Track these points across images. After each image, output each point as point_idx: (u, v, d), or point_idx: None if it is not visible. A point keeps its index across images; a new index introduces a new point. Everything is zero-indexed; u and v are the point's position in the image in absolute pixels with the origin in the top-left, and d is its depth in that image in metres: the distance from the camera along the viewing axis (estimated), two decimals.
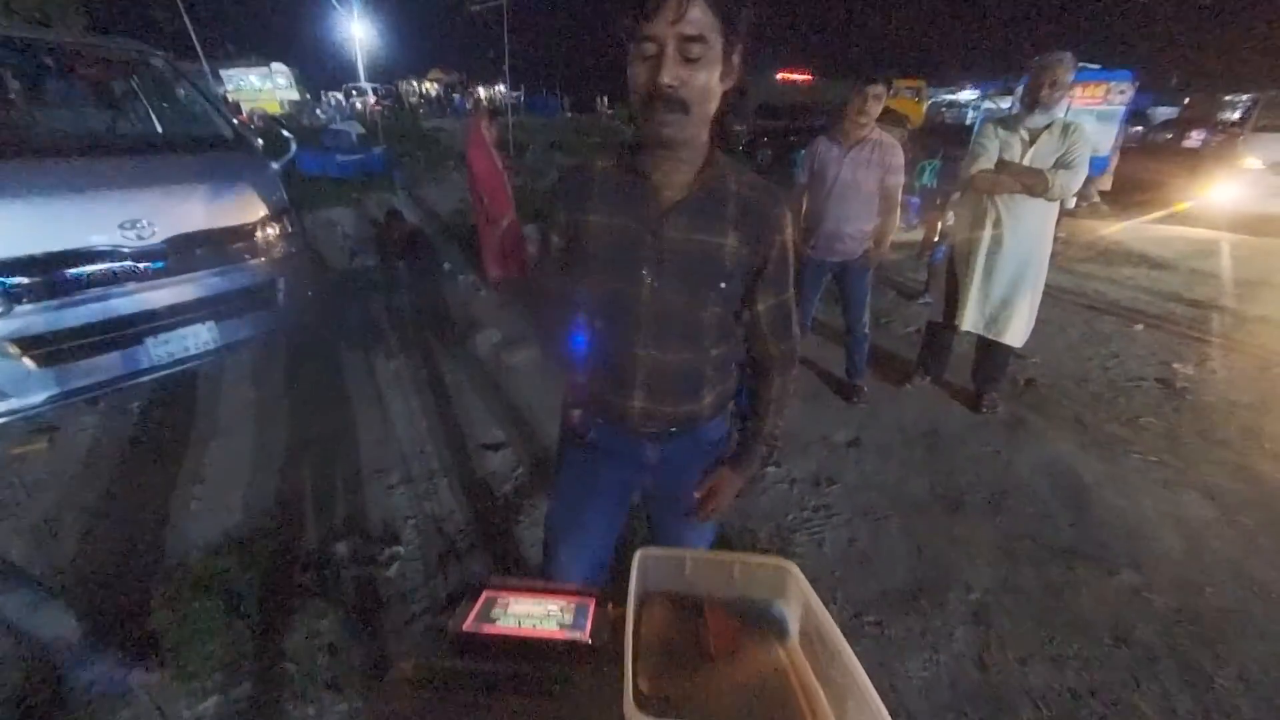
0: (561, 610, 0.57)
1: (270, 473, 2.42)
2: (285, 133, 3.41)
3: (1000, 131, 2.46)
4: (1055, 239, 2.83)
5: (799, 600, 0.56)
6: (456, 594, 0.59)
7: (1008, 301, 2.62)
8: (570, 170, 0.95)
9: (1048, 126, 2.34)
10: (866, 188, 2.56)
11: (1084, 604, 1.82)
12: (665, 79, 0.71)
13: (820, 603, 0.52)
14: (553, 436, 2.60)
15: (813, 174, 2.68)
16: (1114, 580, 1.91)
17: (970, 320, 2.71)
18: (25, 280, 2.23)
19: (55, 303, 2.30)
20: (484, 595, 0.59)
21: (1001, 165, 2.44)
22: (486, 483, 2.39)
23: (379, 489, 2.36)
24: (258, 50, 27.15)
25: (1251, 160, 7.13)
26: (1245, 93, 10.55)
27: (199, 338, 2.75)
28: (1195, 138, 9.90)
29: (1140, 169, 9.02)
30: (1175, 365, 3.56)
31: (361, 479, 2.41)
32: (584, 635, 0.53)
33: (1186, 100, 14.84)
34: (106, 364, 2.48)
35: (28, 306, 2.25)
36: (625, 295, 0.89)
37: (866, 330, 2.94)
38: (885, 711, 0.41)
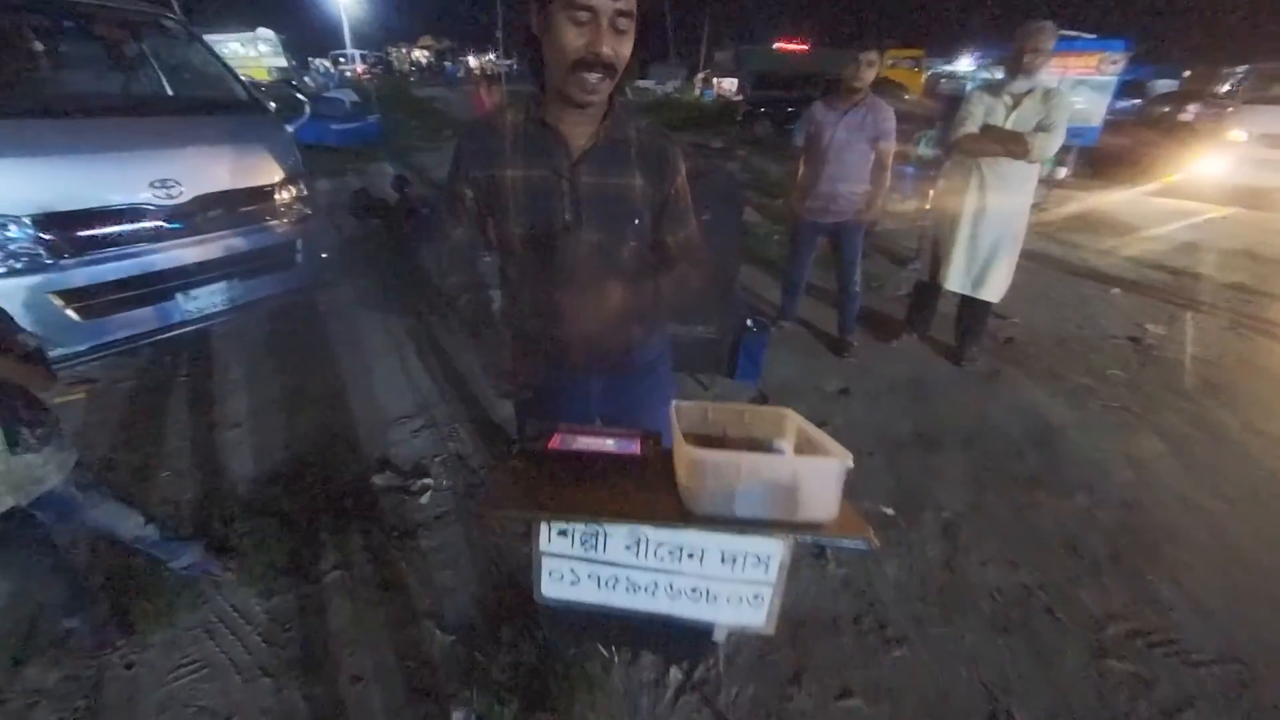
0: (617, 441, 0.77)
1: (302, 418, 2.61)
2: (300, 95, 3.49)
3: (986, 97, 2.61)
4: (1043, 209, 3.00)
5: (796, 433, 0.76)
6: (535, 434, 0.79)
7: (990, 261, 2.81)
8: (474, 128, 0.99)
9: (1029, 92, 2.49)
10: (859, 150, 2.71)
11: (1041, 521, 2.06)
12: (605, 49, 0.79)
13: (814, 426, 0.72)
14: None
15: (809, 138, 2.82)
16: (1068, 502, 2.15)
17: (955, 280, 2.90)
18: (67, 235, 2.36)
19: (93, 257, 2.44)
20: (557, 433, 0.78)
21: (986, 129, 2.60)
22: (503, 427, 2.59)
23: (405, 432, 2.56)
24: (239, 15, 26.29)
25: (1238, 132, 7.27)
26: (1246, 65, 10.61)
27: (225, 294, 2.90)
28: (1190, 111, 9.99)
29: (1135, 141, 9.14)
30: (1147, 325, 3.79)
31: (388, 423, 2.60)
32: (637, 451, 0.73)
33: (1187, 73, 14.84)
34: (141, 317, 2.64)
35: (69, 260, 2.39)
36: (548, 241, 0.97)
37: (858, 289, 3.13)
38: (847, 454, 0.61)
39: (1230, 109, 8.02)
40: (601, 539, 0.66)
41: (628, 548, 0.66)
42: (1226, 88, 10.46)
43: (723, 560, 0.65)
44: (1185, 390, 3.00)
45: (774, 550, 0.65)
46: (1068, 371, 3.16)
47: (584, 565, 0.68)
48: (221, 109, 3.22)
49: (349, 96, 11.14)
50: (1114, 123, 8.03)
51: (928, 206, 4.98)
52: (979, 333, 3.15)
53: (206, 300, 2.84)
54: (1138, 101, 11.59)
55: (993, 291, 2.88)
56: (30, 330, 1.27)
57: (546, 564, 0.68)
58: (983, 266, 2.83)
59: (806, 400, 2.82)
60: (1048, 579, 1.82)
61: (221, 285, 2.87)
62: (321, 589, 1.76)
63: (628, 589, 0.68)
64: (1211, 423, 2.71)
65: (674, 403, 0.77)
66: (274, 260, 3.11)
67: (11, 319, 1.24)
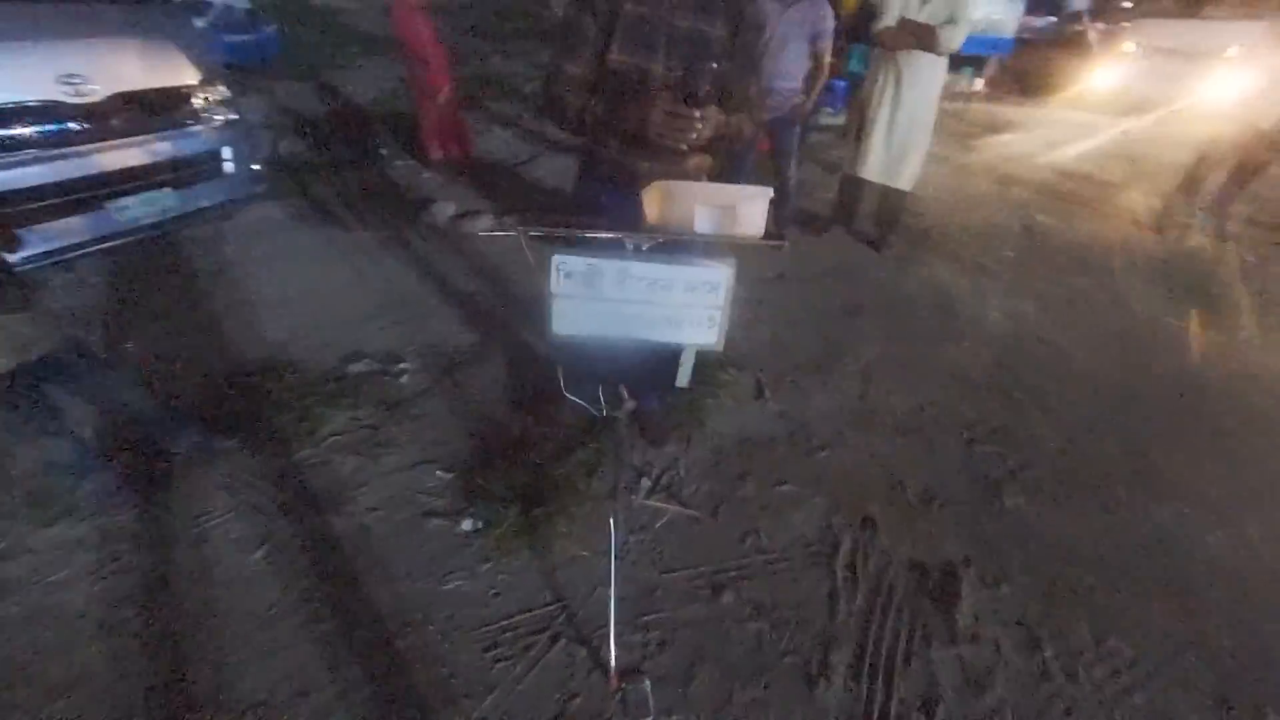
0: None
1: (267, 323, 2.66)
2: None
3: None
4: (959, 117, 3.30)
5: None
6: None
7: (903, 151, 3.13)
8: None
9: None
10: (798, 48, 2.89)
11: (936, 362, 2.51)
12: None
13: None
14: (520, 289, 2.98)
15: None
16: (958, 346, 2.61)
17: (874, 169, 3.21)
18: None
19: (4, 160, 2.31)
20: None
21: (903, 23, 2.83)
22: (469, 320, 2.75)
23: (374, 329, 2.67)
24: None
25: (1129, 44, 7.87)
26: None
27: (156, 204, 2.81)
28: (1097, 28, 10.59)
29: (1048, 57, 9.67)
30: (1037, 216, 4.32)
31: (354, 323, 2.70)
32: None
33: None
34: (72, 227, 2.54)
35: None
36: (645, 71, 1.17)
37: (792, 183, 3.39)
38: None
39: (1125, 23, 8.60)
40: (598, 276, 0.89)
41: (618, 283, 0.90)
42: (1127, 3, 11.08)
43: (686, 289, 0.91)
44: (1059, 265, 3.54)
45: (722, 278, 0.91)
46: (968, 254, 3.62)
47: (584, 304, 0.91)
48: None
49: (240, 3, 9.88)
50: (1031, 40, 8.46)
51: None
52: (896, 221, 3.52)
53: (139, 210, 2.75)
54: (1054, 19, 12.10)
55: (906, 180, 3.22)
56: None
57: (556, 306, 0.92)
58: (897, 157, 3.15)
59: (746, 284, 3.12)
60: (938, 399, 2.27)
61: (153, 194, 2.78)
62: (323, 450, 1.95)
63: (618, 320, 0.93)
64: (1073, 287, 3.25)
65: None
66: (204, 169, 3.01)
67: None
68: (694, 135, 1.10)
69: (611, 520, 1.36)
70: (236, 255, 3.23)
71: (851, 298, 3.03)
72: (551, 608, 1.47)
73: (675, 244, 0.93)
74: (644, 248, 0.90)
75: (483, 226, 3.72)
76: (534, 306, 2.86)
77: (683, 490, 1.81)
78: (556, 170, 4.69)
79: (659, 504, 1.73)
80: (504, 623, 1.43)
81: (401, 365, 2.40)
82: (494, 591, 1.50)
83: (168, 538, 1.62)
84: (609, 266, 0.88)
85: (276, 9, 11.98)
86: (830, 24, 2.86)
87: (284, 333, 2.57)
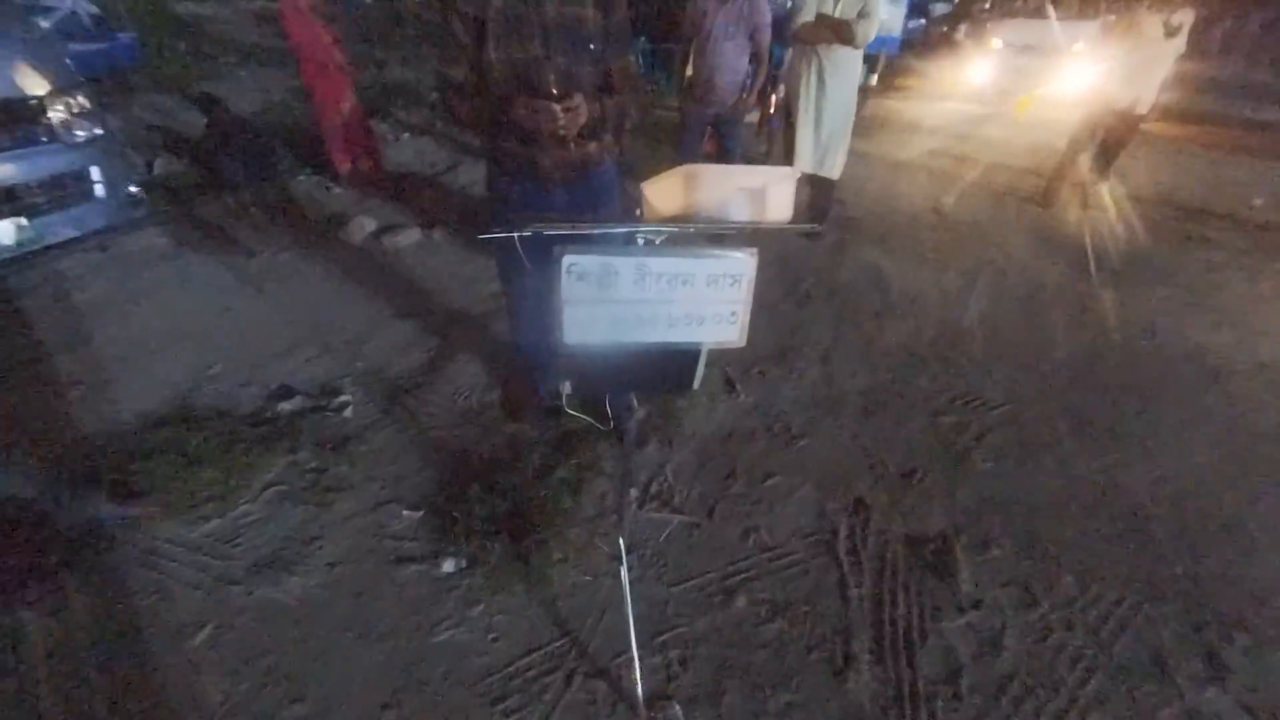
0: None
1: (169, 362, 2.31)
2: None
3: None
4: (861, 113, 3.48)
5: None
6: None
7: (831, 141, 3.25)
8: None
9: None
10: (738, 42, 2.91)
11: (886, 339, 2.61)
12: None
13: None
14: (458, 300, 2.79)
15: (693, 26, 2.95)
16: (903, 324, 2.74)
17: (806, 160, 3.31)
18: None
19: None
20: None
21: (819, 18, 2.93)
22: (410, 340, 2.53)
23: (299, 360, 2.40)
24: None
25: (996, 41, 8.76)
26: None
27: (11, 235, 2.38)
28: (961, 30, 11.73)
29: (924, 57, 10.57)
30: (942, 199, 4.66)
31: (275, 356, 2.41)
32: None
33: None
34: None
35: None
36: (527, 64, 1.16)
37: None
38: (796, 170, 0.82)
39: (989, 23, 9.56)
40: (613, 276, 0.81)
41: (635, 282, 0.82)
42: (987, 6, 12.34)
43: (707, 282, 0.84)
44: (972, 243, 3.83)
45: (744, 269, 0.85)
46: (892, 237, 3.83)
47: (599, 308, 0.82)
48: None
49: (86, 8, 8.71)
50: (909, 41, 9.18)
51: (773, 112, 5.44)
52: (827, 210, 3.66)
53: None
54: (922, 21, 13.27)
55: (835, 169, 3.35)
56: None
57: (568, 312, 0.82)
58: (826, 147, 3.27)
59: None
60: (896, 376, 2.35)
61: (5, 225, 2.35)
62: (262, 504, 1.70)
63: (635, 323, 0.85)
64: (988, 259, 3.53)
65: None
66: (68, 193, 2.59)
67: None
68: (563, 124, 1.13)
69: (621, 539, 1.27)
70: (120, 290, 2.79)
71: (797, 287, 3.10)
72: (560, 643, 1.35)
73: (687, 235, 0.86)
74: (658, 241, 0.83)
75: (405, 241, 3.47)
76: (479, 317, 2.69)
77: (674, 497, 1.74)
78: (480, 177, 4.47)
79: (658, 515, 1.66)
80: (510, 669, 1.29)
81: (341, 398, 2.16)
82: (492, 636, 1.36)
83: (84, 636, 1.33)
84: (625, 264, 0.80)
85: (131, 16, 10.70)
86: (768, 19, 2.91)
87: (190, 375, 2.24)
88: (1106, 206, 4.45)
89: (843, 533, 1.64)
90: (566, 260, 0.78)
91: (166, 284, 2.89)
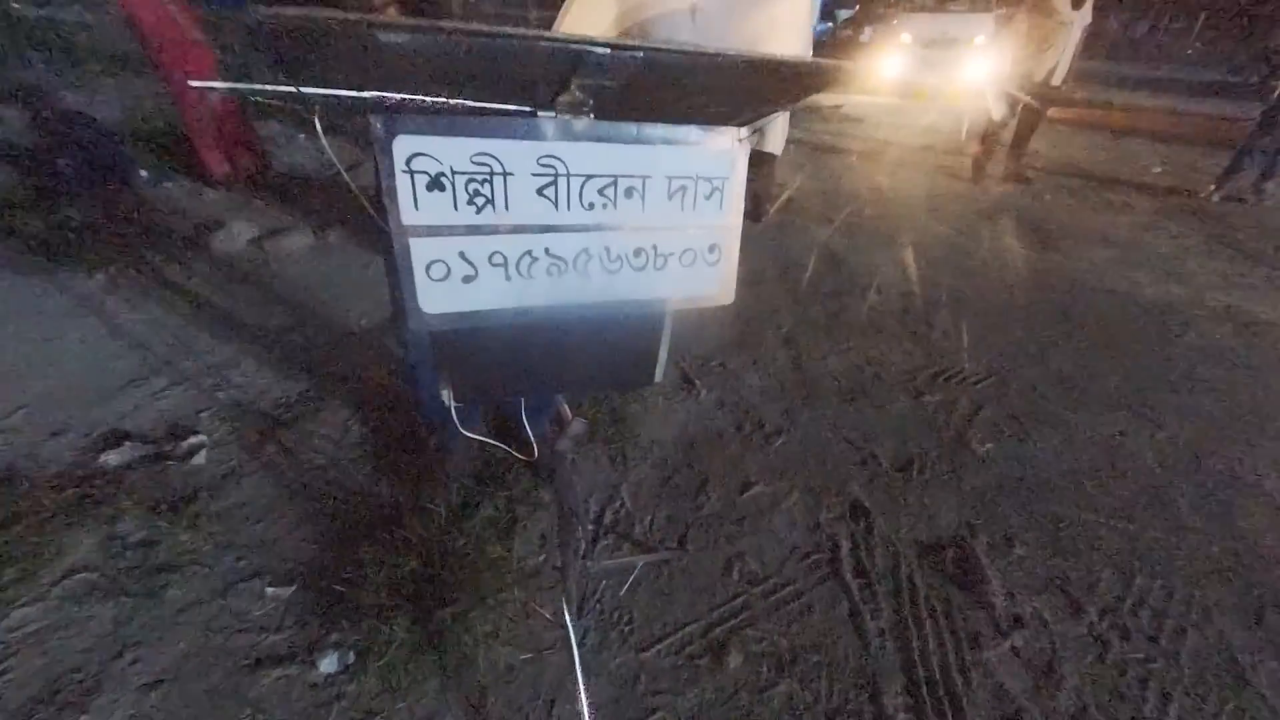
0: None
1: None
2: None
3: None
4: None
5: None
6: None
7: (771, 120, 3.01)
8: None
9: None
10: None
11: (850, 317, 2.38)
12: None
13: None
14: (356, 312, 2.32)
15: None
16: (864, 300, 2.52)
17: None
18: None
19: None
20: None
21: None
22: (289, 363, 2.04)
23: (142, 396, 1.86)
24: None
25: (905, 36, 9.05)
26: None
27: None
28: (866, 31, 12.15)
29: (835, 58, 10.83)
30: (877, 178, 4.59)
31: (110, 391, 1.86)
32: None
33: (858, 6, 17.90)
34: None
35: None
36: None
37: None
38: None
39: (895, 20, 9.90)
40: (501, 183, 0.44)
41: (541, 192, 0.46)
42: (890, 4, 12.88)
43: (670, 193, 0.49)
44: (915, 217, 3.73)
45: (728, 163, 0.51)
46: (836, 216, 3.66)
47: (479, 242, 0.45)
48: None
49: None
50: (819, 43, 9.33)
51: None
52: (769, 189, 3.44)
53: None
54: (829, 25, 13.73)
55: (775, 145, 3.11)
56: None
57: (419, 253, 0.44)
58: (767, 123, 3.03)
59: None
60: (869, 355, 2.10)
61: None
62: (57, 600, 1.19)
63: (549, 271, 0.48)
64: (933, 231, 3.42)
65: None
66: None
67: None
68: None
69: (565, 601, 0.89)
70: None
71: (748, 269, 2.80)
72: None
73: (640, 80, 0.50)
74: (580, 118, 0.46)
75: (293, 246, 2.93)
76: (382, 327, 2.22)
77: (634, 526, 1.38)
78: None
79: (614, 560, 1.28)
80: None
81: (192, 440, 1.65)
82: None
83: None
84: (518, 155, 0.43)
85: None
86: None
87: None
88: (1029, 178, 4.52)
89: (845, 548, 1.34)
90: (399, 147, 0.41)
91: None
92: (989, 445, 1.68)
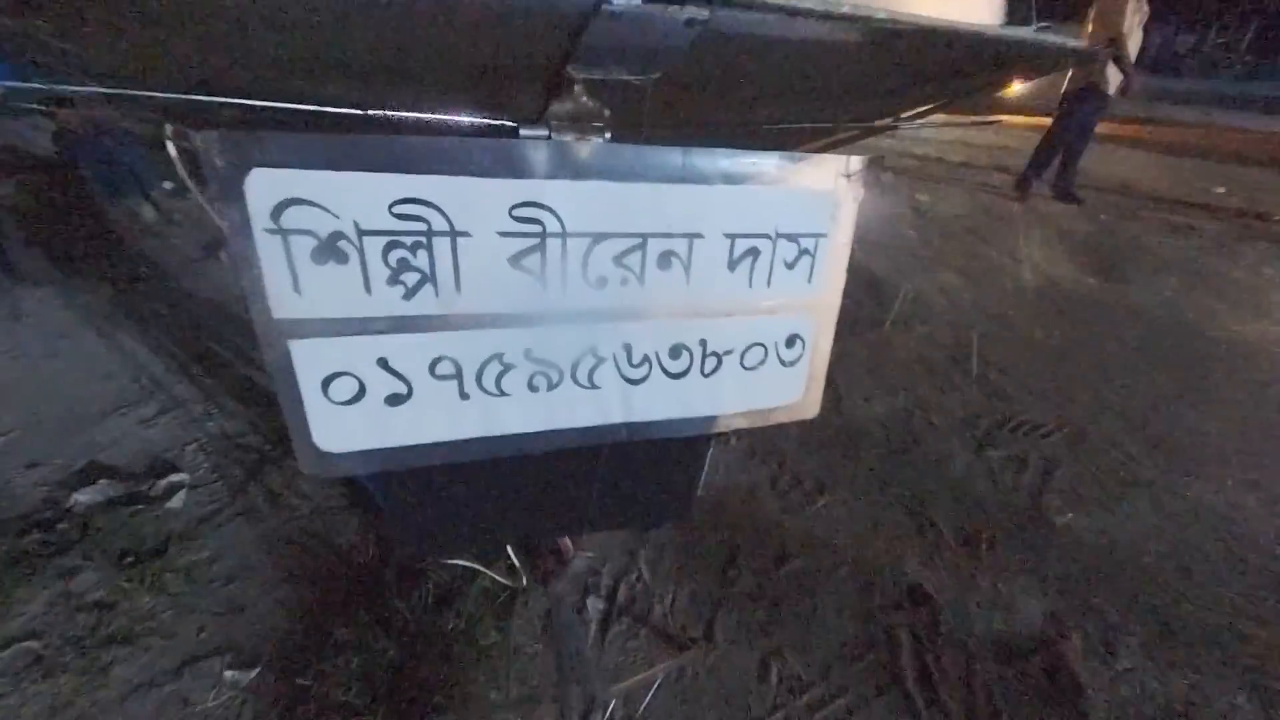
0: None
1: None
2: None
3: None
4: None
5: None
6: None
7: None
8: None
9: None
10: None
11: (896, 353, 2.15)
12: None
13: None
14: None
15: None
16: (912, 333, 2.29)
17: None
18: None
19: None
20: None
21: None
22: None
23: (128, 424, 1.74)
24: None
25: None
26: None
27: None
28: None
29: None
30: (919, 196, 4.35)
31: (93, 419, 1.74)
32: None
33: None
34: None
35: None
36: None
37: None
38: None
39: None
40: (447, 248, 0.25)
41: (519, 262, 0.27)
42: None
43: (732, 262, 0.30)
44: (958, 236, 3.48)
45: (828, 201, 0.32)
46: (877, 237, 3.43)
47: (411, 342, 0.27)
48: None
49: None
50: None
51: None
52: None
53: None
54: None
55: None
56: None
57: (306, 364, 0.26)
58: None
59: None
60: (919, 398, 1.87)
61: None
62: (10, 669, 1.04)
63: (532, 384, 0.30)
64: (982, 255, 3.16)
65: None
66: None
67: None
68: None
69: None
70: None
71: None
72: None
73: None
74: (584, 145, 0.28)
75: None
76: None
77: (654, 606, 1.18)
78: None
79: (634, 681, 1.05)
80: None
81: (172, 478, 1.51)
82: None
83: None
84: (489, 195, 0.25)
85: None
86: None
87: None
88: (1081, 197, 4.21)
89: (905, 646, 1.11)
90: (257, 189, 0.22)
91: None
92: (1070, 514, 1.43)
